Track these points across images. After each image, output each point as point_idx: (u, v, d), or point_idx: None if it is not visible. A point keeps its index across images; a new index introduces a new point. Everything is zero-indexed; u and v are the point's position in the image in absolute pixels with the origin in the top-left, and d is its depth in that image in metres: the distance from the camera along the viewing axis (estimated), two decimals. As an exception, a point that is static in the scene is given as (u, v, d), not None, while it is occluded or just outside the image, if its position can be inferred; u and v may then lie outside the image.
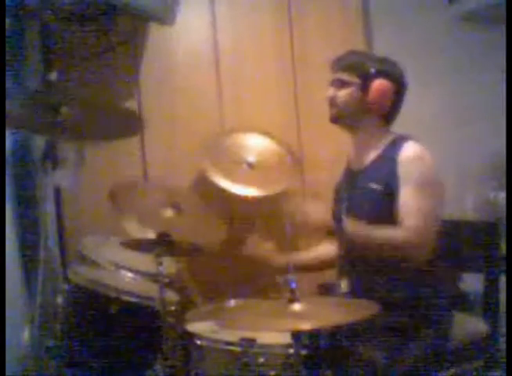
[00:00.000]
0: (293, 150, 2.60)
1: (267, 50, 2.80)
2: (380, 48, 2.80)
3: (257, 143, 2.56)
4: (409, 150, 1.89)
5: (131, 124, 1.97)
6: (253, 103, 2.77)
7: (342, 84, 1.96)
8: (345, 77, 1.96)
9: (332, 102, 1.99)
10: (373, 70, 1.92)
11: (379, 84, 1.91)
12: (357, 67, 1.95)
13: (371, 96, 1.92)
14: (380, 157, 1.93)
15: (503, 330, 1.97)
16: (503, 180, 2.01)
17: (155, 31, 2.65)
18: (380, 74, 1.92)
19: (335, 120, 2.01)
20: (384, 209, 1.88)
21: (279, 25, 2.81)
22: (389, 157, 1.90)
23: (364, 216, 1.90)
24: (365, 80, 1.92)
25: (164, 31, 2.60)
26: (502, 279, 2.02)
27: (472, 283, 2.15)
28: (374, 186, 1.91)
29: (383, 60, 1.98)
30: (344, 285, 1.95)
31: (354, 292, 1.90)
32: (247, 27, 2.78)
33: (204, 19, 2.75)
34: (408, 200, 1.82)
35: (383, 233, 1.84)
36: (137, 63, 2.67)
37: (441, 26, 2.95)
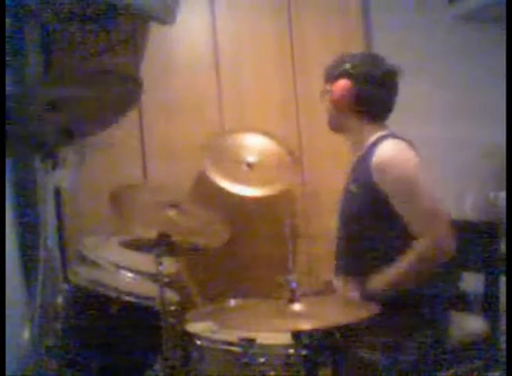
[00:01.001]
0: (293, 149, 2.60)
1: (267, 50, 2.80)
2: (380, 49, 2.80)
3: (257, 143, 2.56)
4: (380, 154, 1.86)
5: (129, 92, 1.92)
6: (253, 103, 2.77)
7: (325, 94, 2.02)
8: (325, 87, 2.02)
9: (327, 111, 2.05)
10: (335, 73, 1.98)
11: (337, 84, 1.96)
12: (330, 75, 2.01)
13: (333, 97, 1.97)
14: (361, 158, 1.94)
15: (503, 330, 1.97)
16: (503, 180, 2.01)
17: (155, 31, 2.65)
18: (341, 75, 1.96)
19: (330, 128, 2.07)
20: (365, 211, 1.87)
21: (278, 25, 2.81)
22: (366, 159, 1.89)
23: (350, 219, 1.94)
24: (332, 84, 1.98)
25: (164, 31, 2.60)
26: (502, 279, 2.02)
27: (472, 283, 2.15)
28: (354, 188, 1.93)
29: (355, 59, 1.99)
30: (339, 283, 1.97)
31: (350, 290, 1.91)
32: (247, 27, 2.79)
33: (204, 20, 2.75)
34: (407, 210, 1.80)
35: (406, 262, 1.81)
36: (137, 63, 2.68)
37: (441, 26, 2.95)
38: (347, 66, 1.96)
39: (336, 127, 2.05)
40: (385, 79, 1.95)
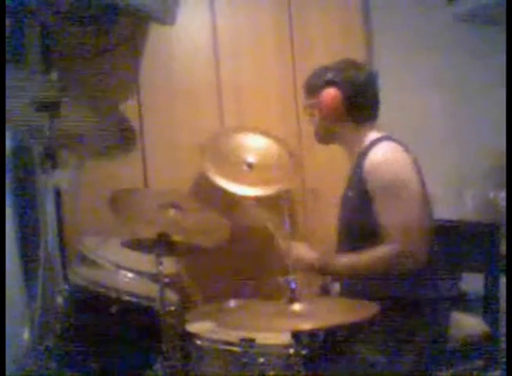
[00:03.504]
0: (293, 149, 2.60)
1: (267, 50, 2.80)
2: (380, 49, 2.81)
3: (257, 143, 2.56)
4: (372, 157, 1.87)
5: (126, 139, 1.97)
6: (253, 102, 2.77)
7: (310, 107, 2.02)
8: (309, 101, 2.02)
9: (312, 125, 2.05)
10: (320, 84, 1.97)
11: (324, 93, 1.95)
12: (312, 88, 2.00)
13: (320, 107, 1.97)
14: (355, 163, 1.93)
15: (503, 330, 1.97)
16: (503, 180, 2.01)
17: (155, 31, 2.65)
18: (325, 84, 1.95)
19: (318, 140, 2.07)
20: (361, 217, 1.86)
21: (279, 25, 2.81)
22: (360, 163, 1.89)
23: (348, 225, 1.95)
24: (318, 96, 1.97)
25: (164, 31, 2.60)
26: (503, 279, 2.02)
27: (472, 283, 2.15)
28: (350, 193, 1.93)
29: (336, 67, 1.99)
30: (336, 287, 1.97)
31: (347, 293, 1.91)
32: (247, 26, 2.78)
33: (204, 20, 2.75)
34: (385, 213, 1.80)
35: (369, 256, 1.82)
36: (137, 63, 2.68)
37: (441, 26, 2.95)
38: (330, 74, 1.96)
39: (325, 138, 2.04)
40: (368, 82, 1.97)
